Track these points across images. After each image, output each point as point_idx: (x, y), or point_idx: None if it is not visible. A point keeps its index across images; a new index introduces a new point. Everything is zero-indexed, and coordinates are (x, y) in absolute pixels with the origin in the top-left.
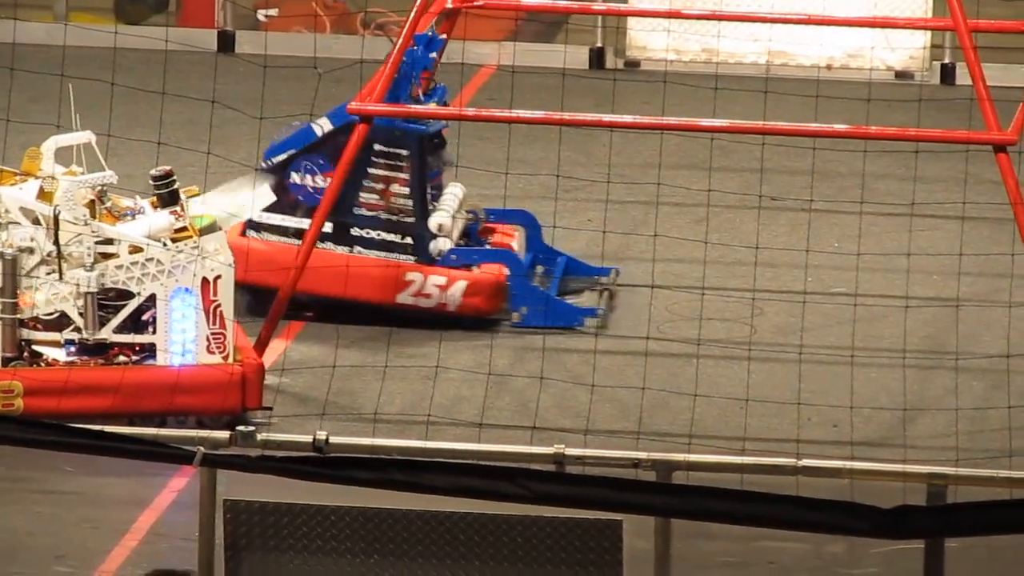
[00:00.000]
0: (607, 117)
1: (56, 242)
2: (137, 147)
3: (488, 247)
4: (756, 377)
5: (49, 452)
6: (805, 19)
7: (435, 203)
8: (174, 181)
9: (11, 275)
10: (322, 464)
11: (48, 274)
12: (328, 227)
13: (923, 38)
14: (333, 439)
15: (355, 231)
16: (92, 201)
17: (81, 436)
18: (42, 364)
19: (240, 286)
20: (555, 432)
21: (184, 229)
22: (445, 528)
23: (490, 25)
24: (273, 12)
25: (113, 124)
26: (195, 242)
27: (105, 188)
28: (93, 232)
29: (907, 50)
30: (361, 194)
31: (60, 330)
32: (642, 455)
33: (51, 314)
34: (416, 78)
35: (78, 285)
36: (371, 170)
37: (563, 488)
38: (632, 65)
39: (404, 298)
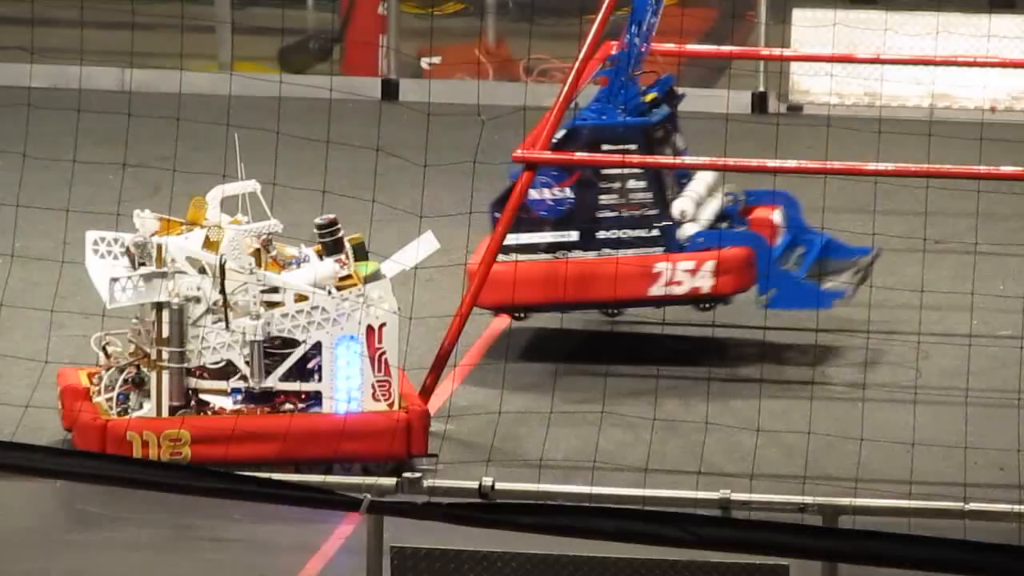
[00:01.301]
0: (771, 163)
1: (222, 291)
2: (301, 195)
3: (740, 229)
4: (922, 420)
5: (217, 500)
6: (970, 62)
7: (681, 190)
8: (338, 229)
9: (178, 324)
10: (488, 510)
11: (215, 323)
12: (575, 235)
13: None
14: (499, 485)
15: (601, 234)
16: (257, 250)
17: (248, 483)
18: (209, 412)
19: (504, 309)
20: (720, 477)
21: (348, 277)
22: (612, 573)
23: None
24: (436, 60)
25: (278, 173)
26: (360, 290)
27: (270, 237)
28: (258, 281)
29: None
30: (600, 197)
31: (226, 378)
32: (808, 499)
33: (217, 363)
34: (635, 69)
35: (244, 334)
36: (604, 171)
37: (729, 532)
38: (795, 109)
39: (657, 290)
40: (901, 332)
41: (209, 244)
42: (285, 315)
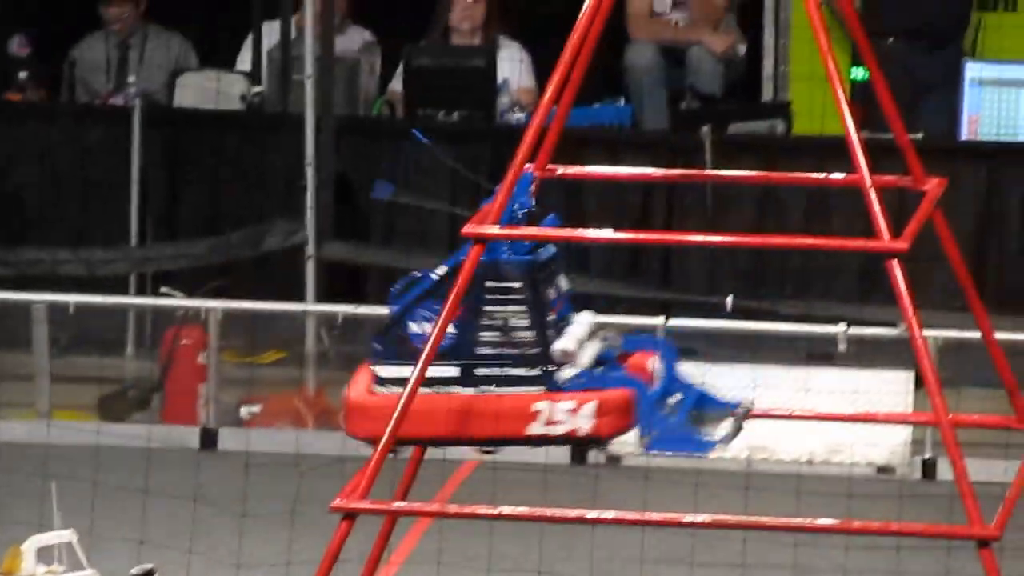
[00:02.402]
0: (590, 514)
1: None
2: (119, 545)
3: (620, 374)
4: None
5: None
6: (787, 415)
7: (562, 332)
8: None
9: None
10: None
11: None
12: (455, 371)
13: (905, 433)
14: None
15: (480, 371)
16: None
17: None
18: None
19: (375, 442)
20: None
21: None
22: None
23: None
24: (256, 409)
25: (96, 522)
26: None
27: None
28: None
29: (888, 445)
30: (480, 334)
31: None
32: None
33: None
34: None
35: None
36: (486, 308)
37: None
38: (614, 460)
39: (535, 429)
40: None
41: None
42: None
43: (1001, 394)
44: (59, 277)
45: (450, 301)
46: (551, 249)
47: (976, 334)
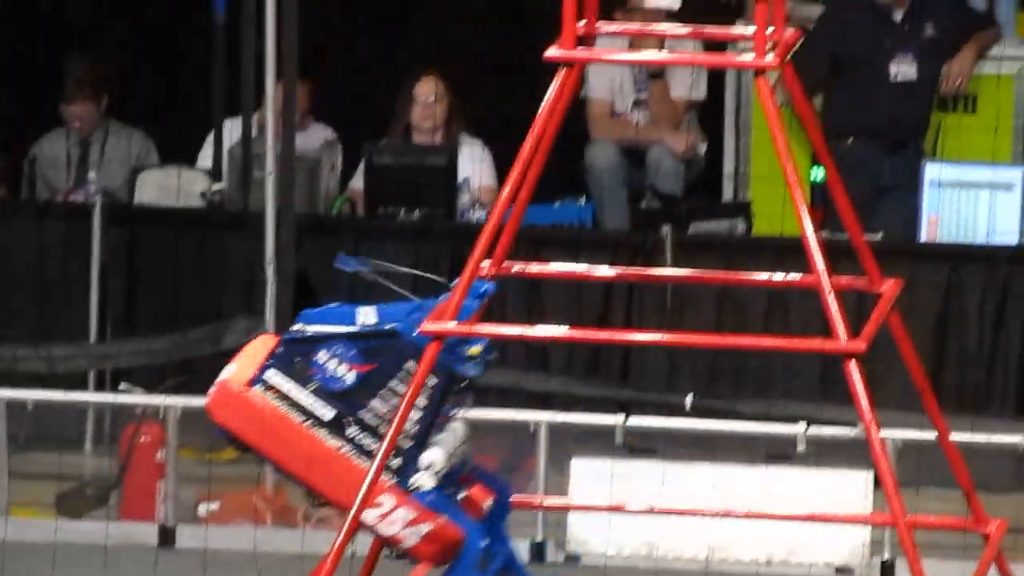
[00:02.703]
0: None
1: None
2: None
3: (464, 514)
4: None
5: None
6: (745, 514)
7: (436, 439)
8: None
9: None
10: None
11: None
12: (329, 414)
13: (864, 534)
14: None
15: (351, 431)
16: None
17: None
18: None
19: (226, 431)
20: None
21: None
22: None
23: None
24: (214, 506)
25: None
26: None
27: None
28: None
29: (847, 546)
30: (373, 400)
31: None
32: None
33: None
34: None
35: None
36: (391, 383)
37: None
38: (573, 559)
39: (369, 516)
40: None
41: None
42: None
43: (959, 495)
44: (18, 373)
45: (406, 400)
46: (479, 369)
47: (934, 435)
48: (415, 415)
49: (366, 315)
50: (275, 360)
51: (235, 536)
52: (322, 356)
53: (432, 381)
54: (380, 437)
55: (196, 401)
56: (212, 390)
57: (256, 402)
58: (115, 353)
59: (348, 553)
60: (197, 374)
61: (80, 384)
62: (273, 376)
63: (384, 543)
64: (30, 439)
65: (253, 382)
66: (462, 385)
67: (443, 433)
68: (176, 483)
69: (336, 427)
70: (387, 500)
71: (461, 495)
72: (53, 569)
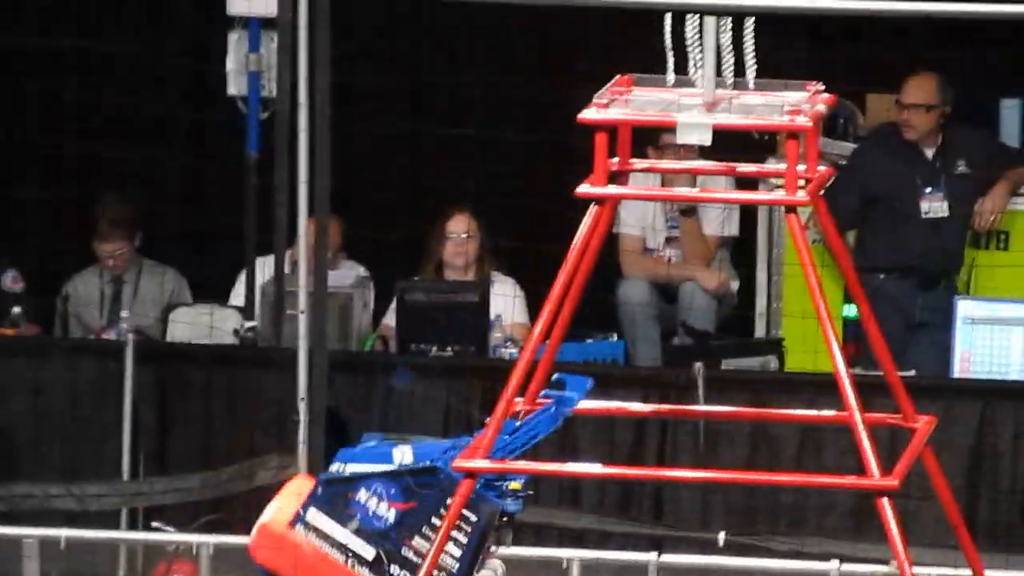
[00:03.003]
0: None
1: None
2: None
3: None
4: None
5: None
6: None
7: (477, 572)
8: None
9: None
10: None
11: None
12: (371, 553)
13: None
14: None
15: (393, 569)
16: None
17: None
18: None
19: (268, 572)
20: None
21: None
22: None
23: None
24: None
25: None
26: None
27: None
28: None
29: None
30: (415, 539)
31: None
32: None
33: None
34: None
35: None
36: (434, 519)
37: None
38: None
39: None
40: None
41: None
42: None
43: None
44: (50, 511)
45: (441, 534)
46: (519, 504)
47: (968, 573)
48: (456, 551)
49: (403, 454)
50: (315, 500)
51: None
52: (362, 495)
53: (473, 518)
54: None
55: (229, 539)
56: (254, 532)
57: (298, 542)
58: (147, 491)
59: None
60: (230, 511)
61: (113, 522)
62: (314, 516)
63: None
64: None
65: (294, 522)
66: (504, 520)
67: (484, 570)
68: None
69: (378, 566)
70: None
71: None
72: None
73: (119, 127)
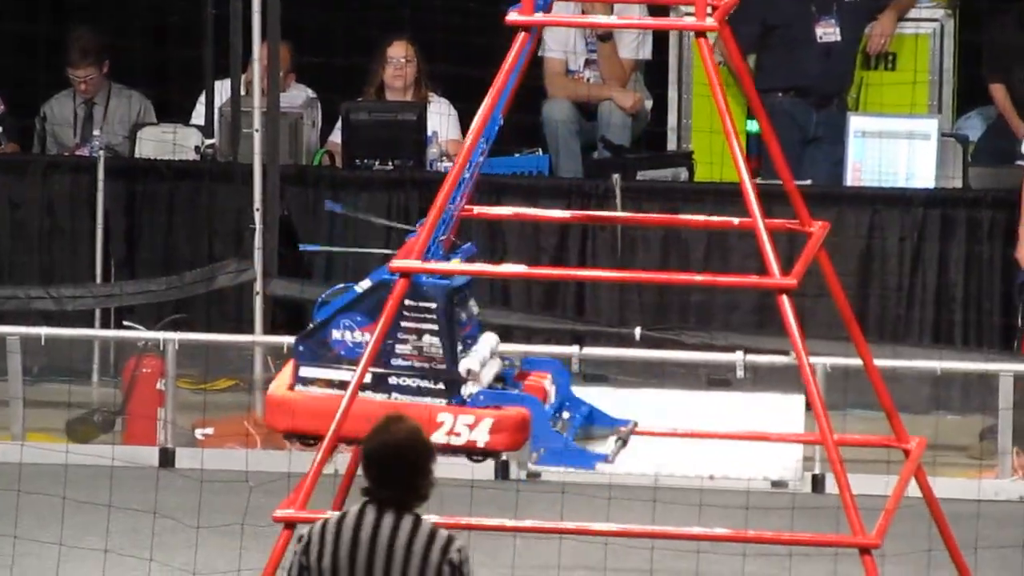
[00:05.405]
0: (509, 522)
1: None
2: (86, 554)
3: (517, 392)
4: None
5: None
6: (689, 434)
7: (468, 351)
8: None
9: None
10: None
11: None
12: (368, 378)
13: (796, 451)
14: None
15: (392, 380)
16: None
17: None
18: None
19: (292, 436)
20: None
21: None
22: None
23: None
24: (209, 431)
25: (65, 533)
26: None
27: None
28: None
29: (782, 462)
30: (396, 346)
31: None
32: None
33: None
34: (443, 233)
35: None
36: (403, 323)
37: None
38: (533, 476)
39: (438, 437)
40: None
41: None
42: None
43: (882, 416)
44: (31, 312)
45: (381, 323)
46: (466, 278)
47: (859, 362)
48: (434, 340)
49: (362, 284)
50: (301, 357)
51: (228, 458)
52: (335, 334)
53: (432, 305)
54: (418, 371)
55: (191, 336)
56: (264, 408)
57: (304, 399)
58: (118, 293)
59: (331, 471)
60: (192, 311)
61: (87, 321)
62: (307, 371)
63: (465, 454)
64: (42, 371)
65: (293, 385)
66: (461, 298)
67: (476, 345)
68: (174, 410)
69: (379, 384)
70: (445, 417)
71: (521, 388)
72: (64, 489)
73: None
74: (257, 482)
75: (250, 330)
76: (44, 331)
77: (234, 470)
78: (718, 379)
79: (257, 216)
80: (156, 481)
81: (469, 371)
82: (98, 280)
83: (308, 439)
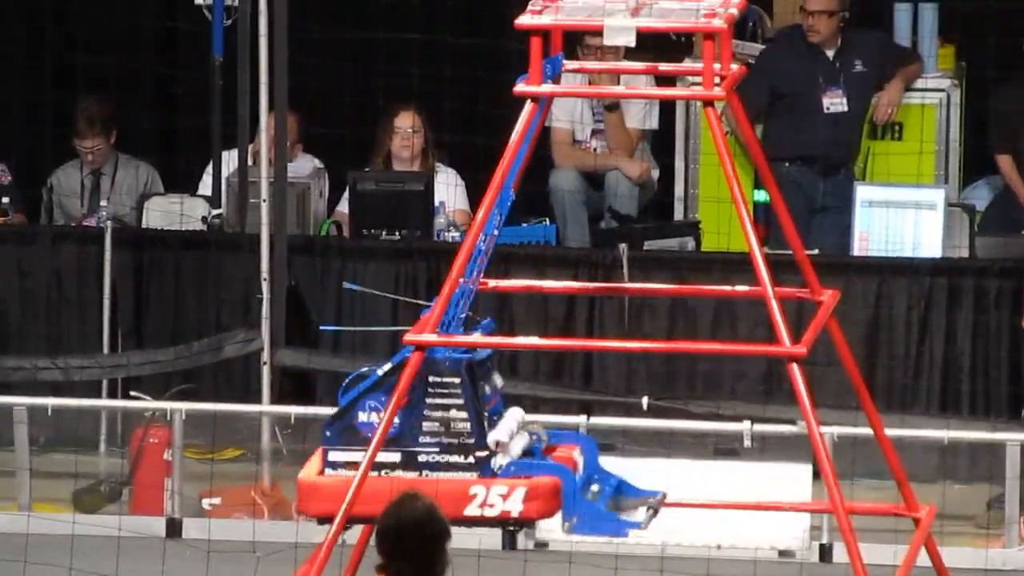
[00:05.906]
0: None
1: None
2: None
3: (547, 462)
4: None
5: None
6: (697, 504)
7: (495, 425)
8: None
9: None
10: None
11: None
12: (397, 457)
13: (804, 521)
14: None
15: (421, 458)
16: None
17: None
18: None
19: (325, 520)
20: None
21: None
22: None
23: None
24: (216, 501)
25: None
26: None
27: None
28: None
29: (789, 531)
30: (423, 424)
31: None
32: None
33: None
34: (462, 309)
35: None
36: (429, 400)
37: None
38: (541, 546)
39: (472, 510)
40: None
41: None
42: None
43: (890, 484)
44: (38, 382)
45: (395, 397)
46: (487, 350)
47: (868, 430)
48: (461, 415)
49: (384, 367)
50: (329, 443)
51: (236, 528)
52: (362, 416)
53: (455, 380)
54: (446, 447)
55: (199, 406)
56: (297, 495)
57: (335, 482)
58: (125, 363)
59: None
60: (200, 381)
61: (94, 391)
62: (336, 456)
63: (501, 526)
64: (49, 441)
65: (323, 470)
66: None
67: (502, 420)
68: (181, 480)
69: (409, 463)
70: (478, 490)
71: (550, 460)
72: (71, 559)
73: (96, 38)
74: (264, 552)
75: (257, 400)
76: (51, 401)
77: (241, 540)
78: (725, 448)
79: (265, 286)
80: (163, 551)
81: (498, 443)
82: (105, 350)
83: (349, 523)
